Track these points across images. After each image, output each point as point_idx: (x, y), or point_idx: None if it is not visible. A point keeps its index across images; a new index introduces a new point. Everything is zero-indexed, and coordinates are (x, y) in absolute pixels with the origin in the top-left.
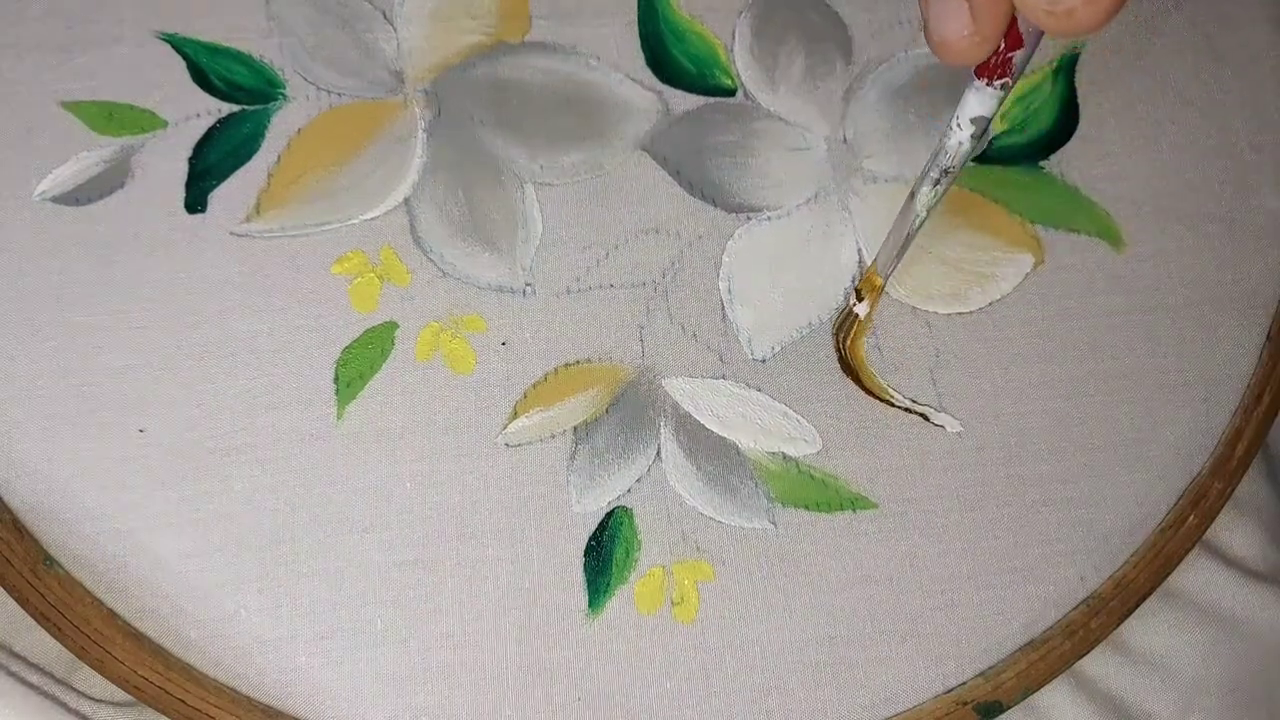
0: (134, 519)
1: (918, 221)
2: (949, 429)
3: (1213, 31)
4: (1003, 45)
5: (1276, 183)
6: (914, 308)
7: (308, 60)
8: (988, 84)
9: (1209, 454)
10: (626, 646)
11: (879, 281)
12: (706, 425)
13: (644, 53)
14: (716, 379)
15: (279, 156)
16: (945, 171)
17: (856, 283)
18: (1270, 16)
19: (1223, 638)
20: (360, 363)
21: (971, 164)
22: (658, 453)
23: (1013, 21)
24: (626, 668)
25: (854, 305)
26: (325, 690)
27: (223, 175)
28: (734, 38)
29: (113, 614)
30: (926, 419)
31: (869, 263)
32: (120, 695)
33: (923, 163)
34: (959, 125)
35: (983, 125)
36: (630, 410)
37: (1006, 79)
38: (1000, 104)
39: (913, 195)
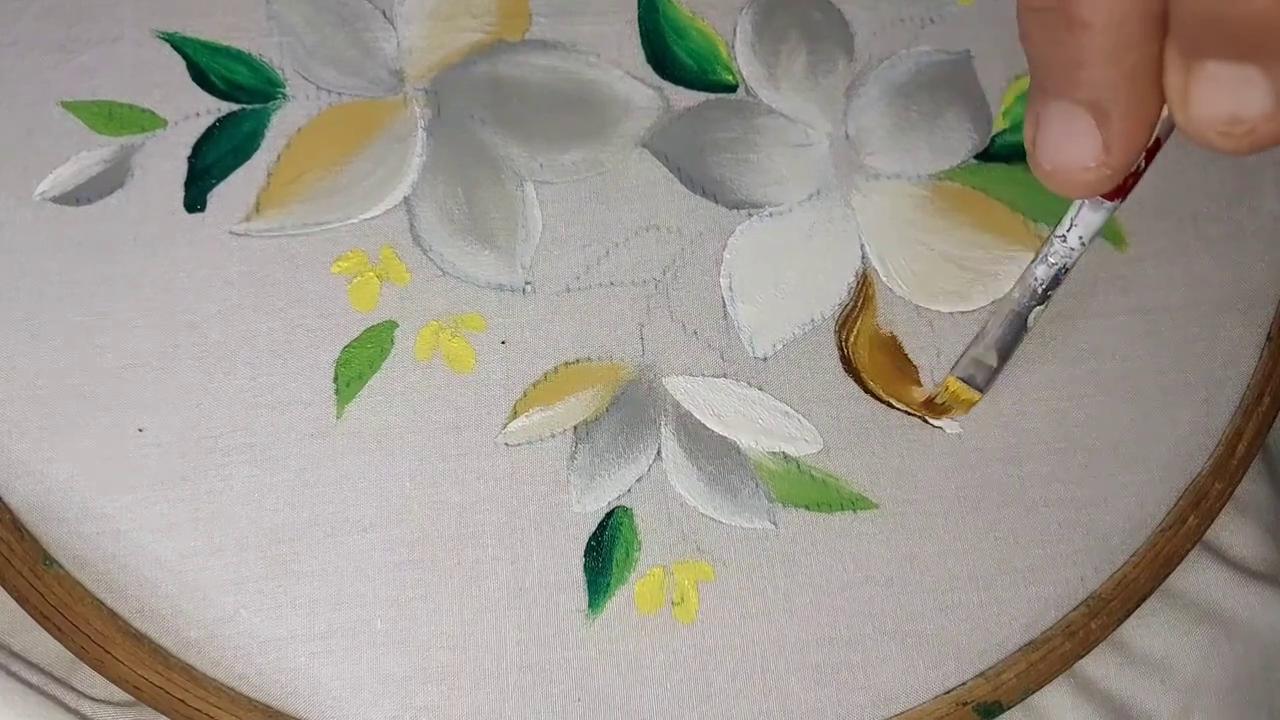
0: (134, 519)
1: (1025, 337)
2: (948, 430)
3: None
4: (1142, 165)
5: (1277, 183)
6: (917, 306)
7: (307, 59)
8: (1115, 202)
9: (1209, 454)
10: (626, 646)
11: (976, 397)
12: (707, 424)
13: (645, 50)
14: (718, 377)
15: (279, 156)
16: (1058, 284)
17: (937, 395)
18: None
19: (1223, 638)
20: (360, 362)
21: (974, 161)
22: (658, 452)
23: (1156, 140)
24: (626, 668)
25: (937, 423)
26: (325, 690)
27: (222, 174)
28: (735, 34)
29: (113, 614)
30: (926, 420)
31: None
32: (120, 695)
33: (924, 159)
34: (1081, 243)
35: (1094, 238)
36: (631, 409)
37: (1130, 191)
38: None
39: (1020, 316)
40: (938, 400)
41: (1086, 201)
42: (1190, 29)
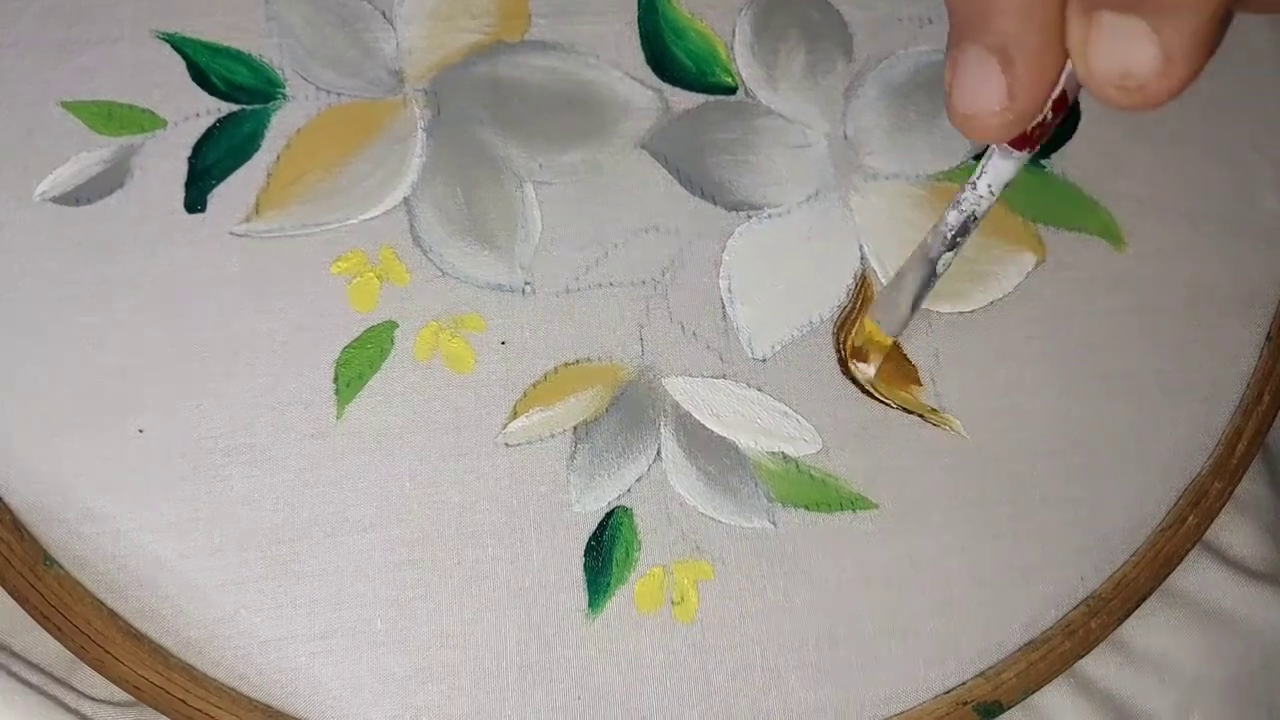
0: (134, 519)
1: (934, 283)
2: (952, 430)
3: None
4: (1049, 116)
5: (1277, 183)
6: None
7: (307, 60)
8: (1025, 151)
9: (1209, 454)
10: (626, 646)
11: (887, 341)
12: (706, 425)
13: (644, 51)
14: (717, 378)
15: (278, 156)
16: (966, 232)
17: (854, 337)
18: (1271, 17)
19: (1223, 637)
20: (360, 362)
21: (972, 162)
22: (658, 452)
23: (1063, 92)
24: (626, 667)
25: (856, 368)
26: (325, 690)
27: (222, 175)
28: (734, 35)
29: (113, 614)
30: (925, 420)
31: (873, 268)
32: (120, 695)
33: (923, 160)
34: (990, 192)
35: (1005, 189)
36: (630, 409)
37: (1041, 142)
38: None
39: (930, 260)
40: (857, 343)
41: (997, 150)
42: None
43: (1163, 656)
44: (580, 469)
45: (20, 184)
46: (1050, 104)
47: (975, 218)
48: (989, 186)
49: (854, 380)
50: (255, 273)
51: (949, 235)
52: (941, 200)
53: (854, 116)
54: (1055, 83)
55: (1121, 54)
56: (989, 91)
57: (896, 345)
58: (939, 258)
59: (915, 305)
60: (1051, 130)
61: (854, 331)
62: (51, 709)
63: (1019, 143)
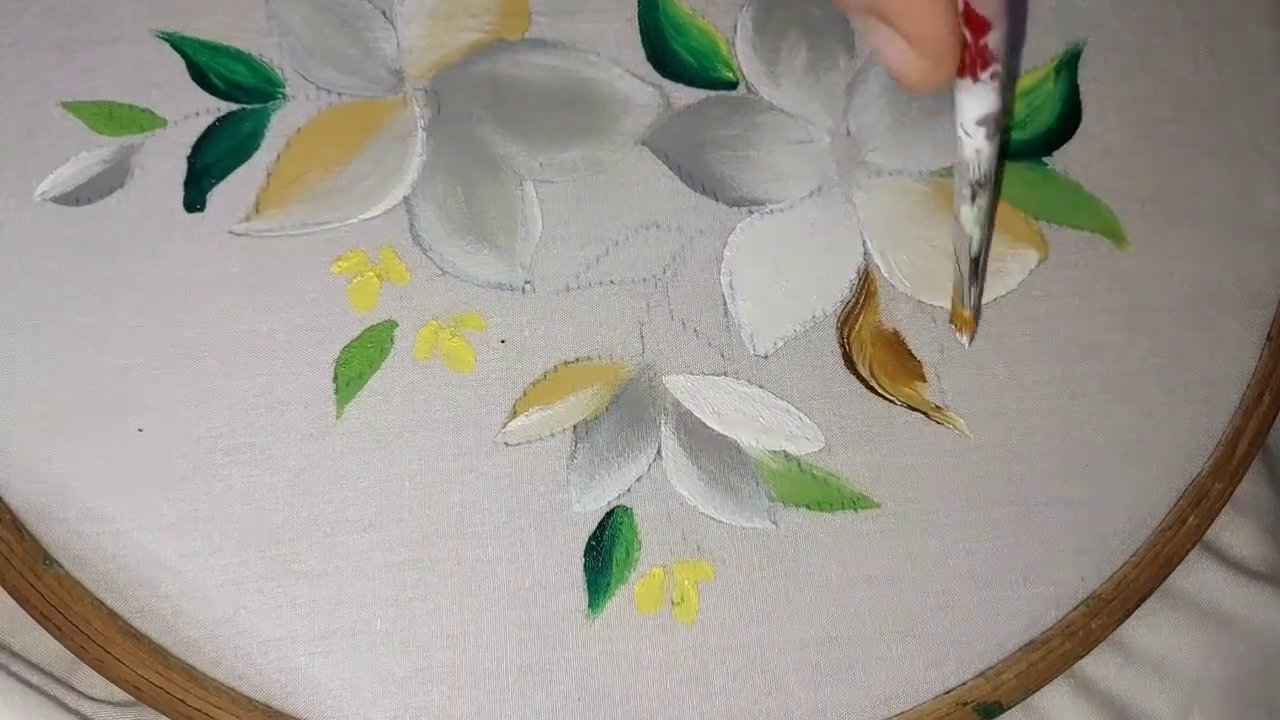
0: (134, 519)
1: (974, 243)
2: (956, 429)
3: (1214, 30)
4: (969, 38)
5: (1277, 183)
6: (920, 302)
7: (307, 59)
8: (974, 81)
9: (1209, 454)
10: (626, 646)
11: (967, 313)
12: (707, 423)
13: (645, 47)
14: (718, 376)
15: (278, 155)
16: (977, 184)
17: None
18: (1270, 16)
19: (1223, 638)
20: (359, 362)
21: None
22: (658, 451)
23: (967, 8)
24: (626, 668)
25: (959, 336)
26: (325, 690)
27: (222, 174)
28: (736, 31)
29: (113, 614)
30: (929, 417)
31: (876, 264)
32: (120, 695)
33: (925, 156)
34: (966, 132)
35: (993, 123)
36: (631, 408)
37: (993, 67)
38: (1003, 93)
39: (956, 219)
40: (950, 320)
41: (959, 89)
42: None
43: (1163, 657)
44: (580, 468)
45: (20, 184)
46: (965, 25)
47: (965, 162)
48: (961, 126)
49: (858, 376)
50: (255, 272)
51: (961, 191)
52: (944, 196)
53: (856, 113)
54: (947, 11)
55: None
56: (894, 49)
57: (901, 342)
58: (957, 212)
59: (972, 272)
60: (990, 54)
61: (860, 312)
62: (51, 709)
63: (963, 72)
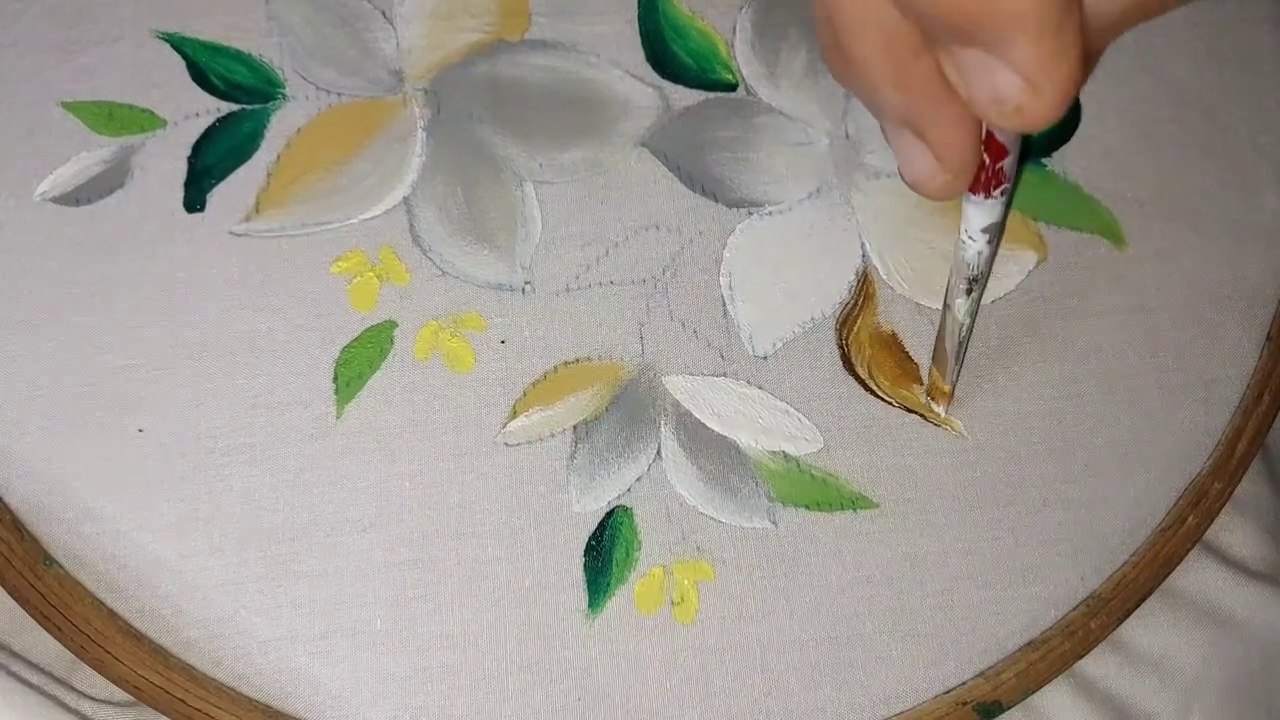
0: (134, 519)
1: (964, 329)
2: (954, 429)
3: (1213, 31)
4: (987, 160)
5: (1277, 183)
6: (917, 304)
7: (307, 59)
8: (986, 197)
9: (1209, 454)
10: (626, 646)
11: (947, 388)
12: (707, 424)
13: (644, 49)
14: (717, 376)
15: (278, 156)
16: (974, 280)
17: (926, 384)
18: (1270, 17)
19: (1223, 638)
20: (359, 362)
21: None
22: (658, 451)
23: (989, 135)
24: (626, 668)
25: (931, 407)
26: (325, 690)
27: (222, 175)
28: (735, 33)
29: (113, 614)
30: (926, 419)
31: (874, 266)
32: (120, 695)
33: None
34: (971, 238)
35: (996, 231)
36: (630, 409)
37: (1004, 185)
38: (1007, 207)
39: (948, 307)
40: (929, 391)
41: (970, 202)
42: (927, 26)
43: (1163, 656)
44: (580, 469)
45: (20, 184)
46: (985, 151)
47: (966, 262)
48: (966, 232)
49: (856, 378)
50: (255, 272)
51: (952, 280)
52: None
53: (855, 115)
54: (972, 132)
55: (987, 84)
56: (920, 159)
57: (899, 344)
58: (952, 304)
59: (958, 353)
60: (1003, 175)
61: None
62: (51, 709)
63: (975, 189)
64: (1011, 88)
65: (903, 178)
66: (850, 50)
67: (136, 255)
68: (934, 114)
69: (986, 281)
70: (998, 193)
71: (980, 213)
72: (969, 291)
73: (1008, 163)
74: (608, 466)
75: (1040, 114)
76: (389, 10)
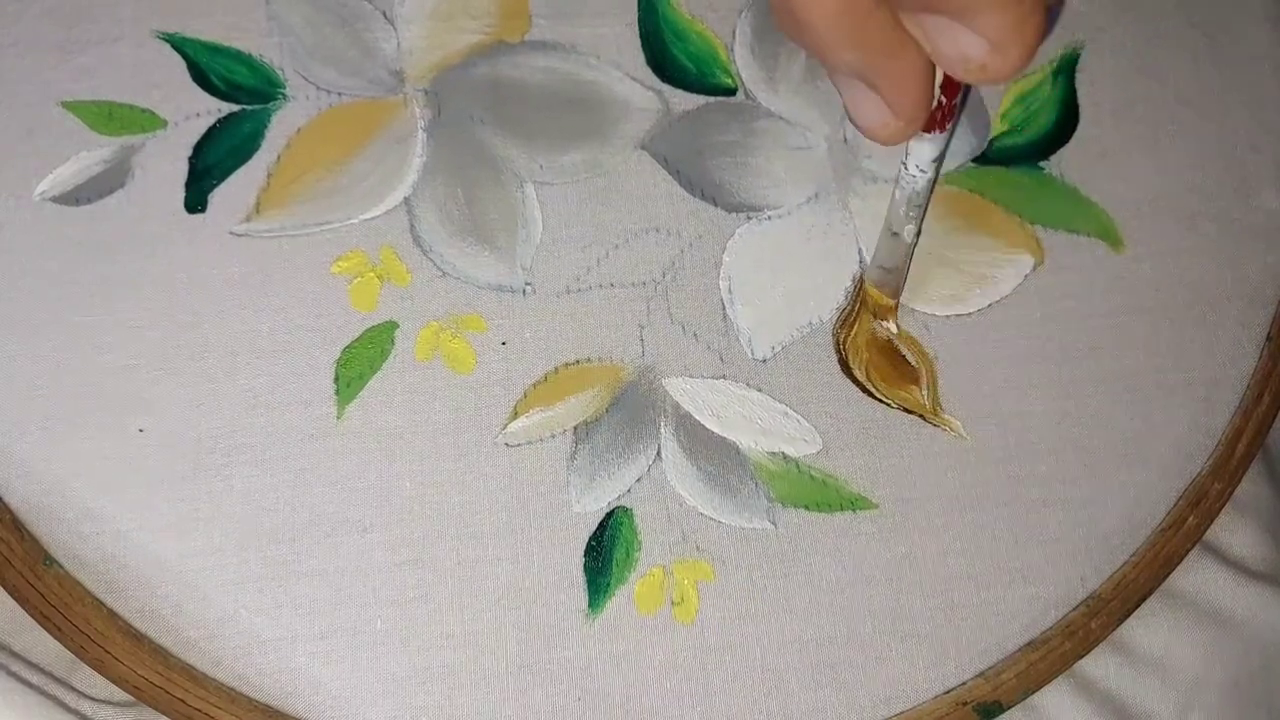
0: (134, 519)
1: (910, 247)
2: (951, 430)
3: (1213, 31)
4: (943, 100)
5: (1276, 183)
6: (912, 309)
7: (307, 60)
8: (941, 132)
9: (1209, 454)
10: (626, 646)
11: (888, 301)
12: (707, 425)
13: (644, 52)
14: (717, 379)
15: (279, 156)
16: (916, 206)
17: (868, 306)
18: (1270, 17)
19: (1223, 638)
20: (360, 362)
21: (971, 164)
22: (658, 453)
23: (946, 76)
24: (626, 668)
25: (881, 327)
26: (325, 690)
27: (223, 175)
28: (735, 37)
29: (113, 614)
30: (925, 420)
31: (869, 265)
32: (120, 695)
33: None
34: (922, 170)
35: (941, 158)
36: (630, 410)
37: (955, 118)
38: (952, 132)
39: (895, 235)
40: (872, 309)
41: (918, 138)
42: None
43: (1163, 657)
44: (580, 469)
45: (20, 184)
46: (941, 91)
47: (917, 192)
48: (916, 165)
49: (854, 380)
50: (255, 273)
51: (901, 211)
52: (940, 203)
53: None
54: (925, 82)
55: (953, 44)
56: (871, 109)
57: (895, 347)
58: (901, 230)
59: (902, 269)
60: (957, 108)
61: (857, 317)
62: (51, 709)
63: (930, 127)
64: (977, 49)
65: (853, 124)
66: (804, 10)
67: (137, 255)
68: (889, 67)
69: (927, 204)
70: (950, 127)
71: (931, 147)
72: (914, 218)
73: (960, 97)
74: (608, 467)
75: (1005, 72)
76: (389, 11)
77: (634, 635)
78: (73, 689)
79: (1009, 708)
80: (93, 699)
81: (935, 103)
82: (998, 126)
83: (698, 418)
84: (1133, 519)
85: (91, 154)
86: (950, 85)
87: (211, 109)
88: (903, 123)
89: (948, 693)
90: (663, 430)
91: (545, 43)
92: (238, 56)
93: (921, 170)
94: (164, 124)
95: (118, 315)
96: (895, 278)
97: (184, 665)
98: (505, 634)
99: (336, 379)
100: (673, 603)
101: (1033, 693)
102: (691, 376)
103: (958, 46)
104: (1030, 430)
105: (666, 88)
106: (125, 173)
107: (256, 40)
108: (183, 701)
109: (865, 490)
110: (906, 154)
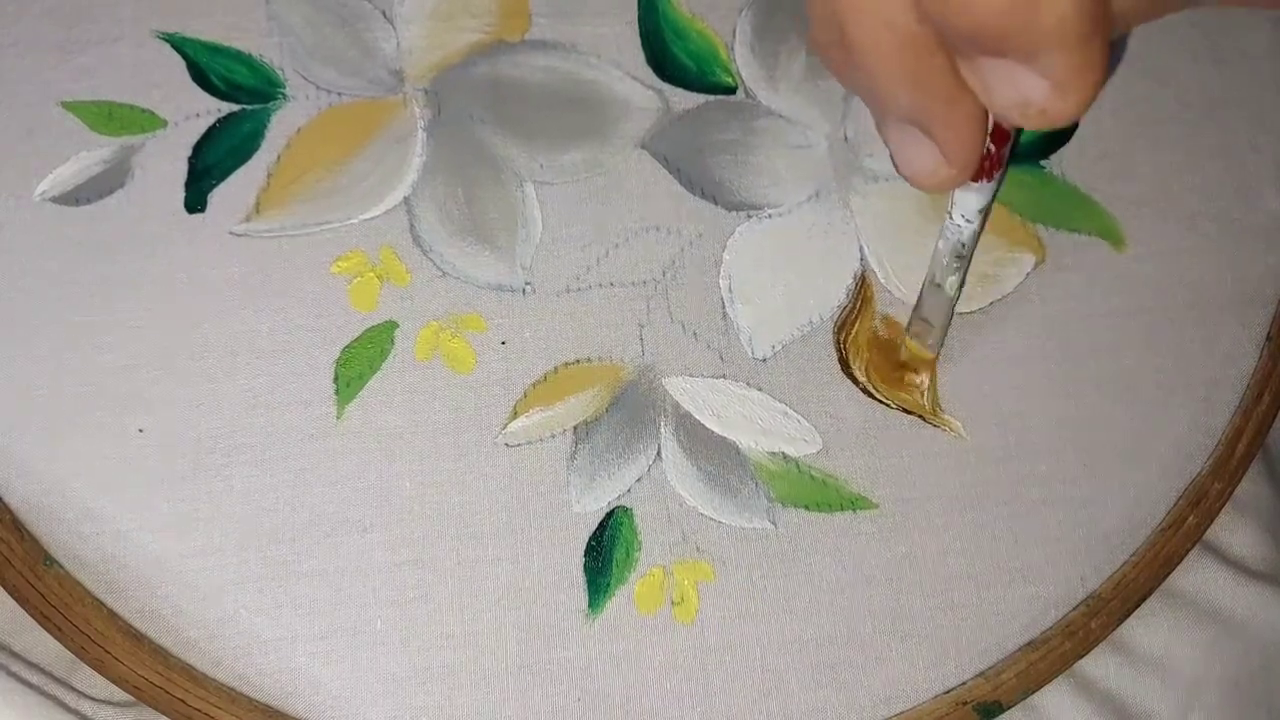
0: (134, 519)
1: (954, 301)
2: (951, 429)
3: (1213, 32)
4: (992, 148)
5: (1276, 183)
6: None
7: (307, 59)
8: (988, 182)
9: (1209, 454)
10: (626, 646)
11: (929, 356)
12: (707, 425)
13: (644, 51)
14: (717, 378)
15: (279, 156)
16: (965, 258)
17: (901, 354)
18: (1270, 17)
19: (1223, 638)
20: (360, 362)
21: None
22: (658, 452)
23: (996, 124)
24: (626, 668)
25: (910, 380)
26: (325, 690)
27: (222, 175)
28: (735, 36)
29: (113, 614)
30: (925, 420)
31: (873, 269)
32: (120, 695)
33: None
34: (968, 220)
35: (989, 208)
36: (630, 410)
37: (1003, 168)
38: (999, 185)
39: (937, 286)
40: (905, 360)
41: (966, 188)
42: (953, 40)
43: (1163, 656)
44: (580, 469)
45: (20, 184)
46: (990, 139)
47: (963, 243)
48: (962, 215)
49: (854, 380)
50: (255, 273)
51: (945, 261)
52: (941, 203)
53: (854, 118)
54: (982, 129)
55: (1012, 87)
56: (923, 156)
57: (896, 347)
58: (944, 282)
59: (943, 323)
60: (1004, 159)
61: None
62: (51, 709)
63: (978, 176)
64: (1038, 92)
65: (899, 172)
66: (861, 49)
67: (137, 255)
68: (946, 113)
69: (971, 255)
70: (997, 176)
71: (979, 196)
72: (958, 269)
73: (1009, 146)
74: (608, 467)
75: (1065, 115)
76: (389, 10)
77: (634, 635)
78: (73, 689)
79: (1009, 708)
80: (93, 699)
81: (984, 150)
82: None
83: (698, 417)
84: (1133, 519)
85: (91, 154)
86: (999, 134)
87: (211, 109)
88: (955, 171)
89: (948, 693)
90: (663, 430)
91: (545, 42)
92: (238, 56)
93: (968, 220)
94: (164, 124)
95: (118, 315)
96: (937, 331)
97: (184, 665)
98: (505, 634)
99: (336, 379)
100: (673, 603)
101: (1033, 693)
102: (691, 376)
103: (1018, 89)
104: (1030, 430)
105: (667, 86)
106: (125, 173)
107: (256, 40)
108: (183, 701)
109: (865, 490)
110: (952, 204)
